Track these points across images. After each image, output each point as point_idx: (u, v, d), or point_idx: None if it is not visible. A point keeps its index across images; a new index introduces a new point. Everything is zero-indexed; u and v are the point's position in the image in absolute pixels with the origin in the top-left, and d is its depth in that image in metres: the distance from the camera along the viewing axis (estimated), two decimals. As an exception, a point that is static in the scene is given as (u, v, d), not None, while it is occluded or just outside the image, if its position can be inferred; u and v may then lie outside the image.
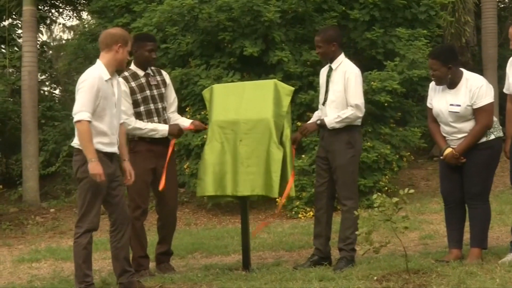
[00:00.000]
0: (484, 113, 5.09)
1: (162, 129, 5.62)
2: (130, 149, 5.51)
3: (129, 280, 5.00)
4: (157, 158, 5.61)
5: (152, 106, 5.64)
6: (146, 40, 5.76)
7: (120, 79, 5.37)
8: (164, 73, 5.92)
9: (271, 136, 5.34)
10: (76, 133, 4.76)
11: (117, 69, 5.04)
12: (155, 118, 5.66)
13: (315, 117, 5.79)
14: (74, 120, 4.70)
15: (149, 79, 5.70)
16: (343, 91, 5.45)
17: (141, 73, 5.69)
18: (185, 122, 5.89)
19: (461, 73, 5.24)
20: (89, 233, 4.80)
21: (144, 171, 5.51)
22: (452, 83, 5.21)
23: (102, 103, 4.76)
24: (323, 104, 5.59)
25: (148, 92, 5.63)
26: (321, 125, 5.52)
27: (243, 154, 5.36)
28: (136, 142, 5.61)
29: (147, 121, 5.60)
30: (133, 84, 5.60)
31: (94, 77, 4.77)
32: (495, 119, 5.22)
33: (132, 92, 5.57)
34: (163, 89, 5.76)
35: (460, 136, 5.16)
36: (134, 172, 5.13)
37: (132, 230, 5.37)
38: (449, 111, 5.16)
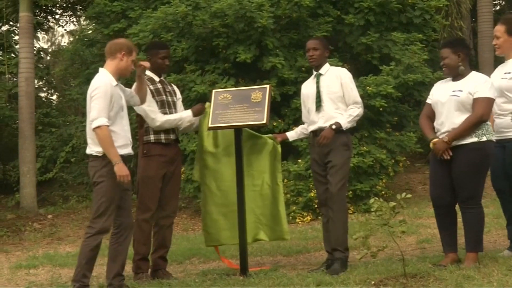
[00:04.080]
0: (482, 104, 5.08)
1: (186, 115, 5.84)
2: (143, 153, 5.73)
3: (120, 283, 5.10)
4: (168, 163, 5.77)
5: (167, 110, 5.82)
6: (158, 48, 6.00)
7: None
8: (174, 86, 6.15)
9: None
10: (96, 138, 4.88)
11: (121, 77, 5.21)
12: None
13: (300, 129, 5.92)
14: (93, 126, 4.86)
15: (164, 86, 5.91)
16: (339, 92, 5.57)
17: (156, 78, 5.90)
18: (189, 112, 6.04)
19: (469, 70, 5.32)
20: (99, 235, 4.93)
21: (156, 175, 5.69)
22: (459, 75, 5.26)
23: (115, 107, 4.97)
24: (317, 110, 5.60)
25: (164, 97, 5.83)
26: (337, 128, 5.50)
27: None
28: (150, 146, 5.72)
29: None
30: (151, 87, 5.77)
31: (106, 83, 4.96)
32: (488, 123, 5.24)
33: (151, 94, 5.74)
34: (175, 98, 5.98)
35: (451, 129, 5.14)
36: (147, 175, 5.49)
37: (139, 232, 5.62)
38: (450, 95, 5.16)
